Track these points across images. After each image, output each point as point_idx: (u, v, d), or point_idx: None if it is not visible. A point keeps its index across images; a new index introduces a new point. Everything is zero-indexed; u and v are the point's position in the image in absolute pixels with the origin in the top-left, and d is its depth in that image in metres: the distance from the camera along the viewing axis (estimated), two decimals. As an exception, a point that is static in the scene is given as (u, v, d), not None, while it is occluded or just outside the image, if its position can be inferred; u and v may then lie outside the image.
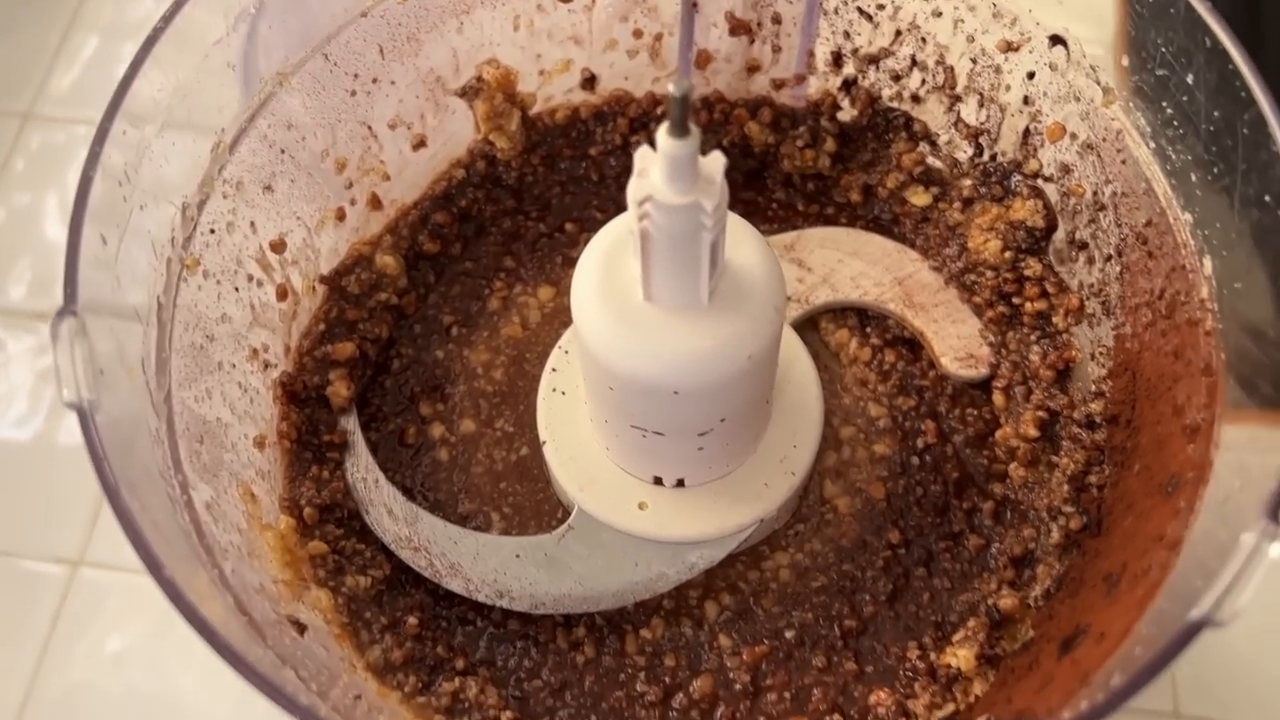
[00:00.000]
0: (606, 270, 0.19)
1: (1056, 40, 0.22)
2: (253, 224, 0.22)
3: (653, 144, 0.16)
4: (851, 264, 0.26)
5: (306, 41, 0.22)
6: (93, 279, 0.17)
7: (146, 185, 0.19)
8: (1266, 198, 0.18)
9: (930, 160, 0.26)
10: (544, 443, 0.23)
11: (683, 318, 0.19)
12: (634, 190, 0.17)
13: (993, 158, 0.24)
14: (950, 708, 0.21)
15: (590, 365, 0.20)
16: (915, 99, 0.25)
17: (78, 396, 0.16)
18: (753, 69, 0.26)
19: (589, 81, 0.25)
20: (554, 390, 0.24)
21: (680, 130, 0.16)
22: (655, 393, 0.19)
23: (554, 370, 0.24)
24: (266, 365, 0.23)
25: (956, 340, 0.25)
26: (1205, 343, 0.19)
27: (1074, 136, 0.22)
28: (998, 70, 0.23)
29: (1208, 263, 0.19)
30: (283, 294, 0.23)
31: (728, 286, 0.19)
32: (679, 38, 0.18)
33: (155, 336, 0.19)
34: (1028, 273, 0.24)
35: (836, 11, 0.24)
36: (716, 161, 0.17)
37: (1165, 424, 0.20)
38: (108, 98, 0.19)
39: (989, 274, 0.24)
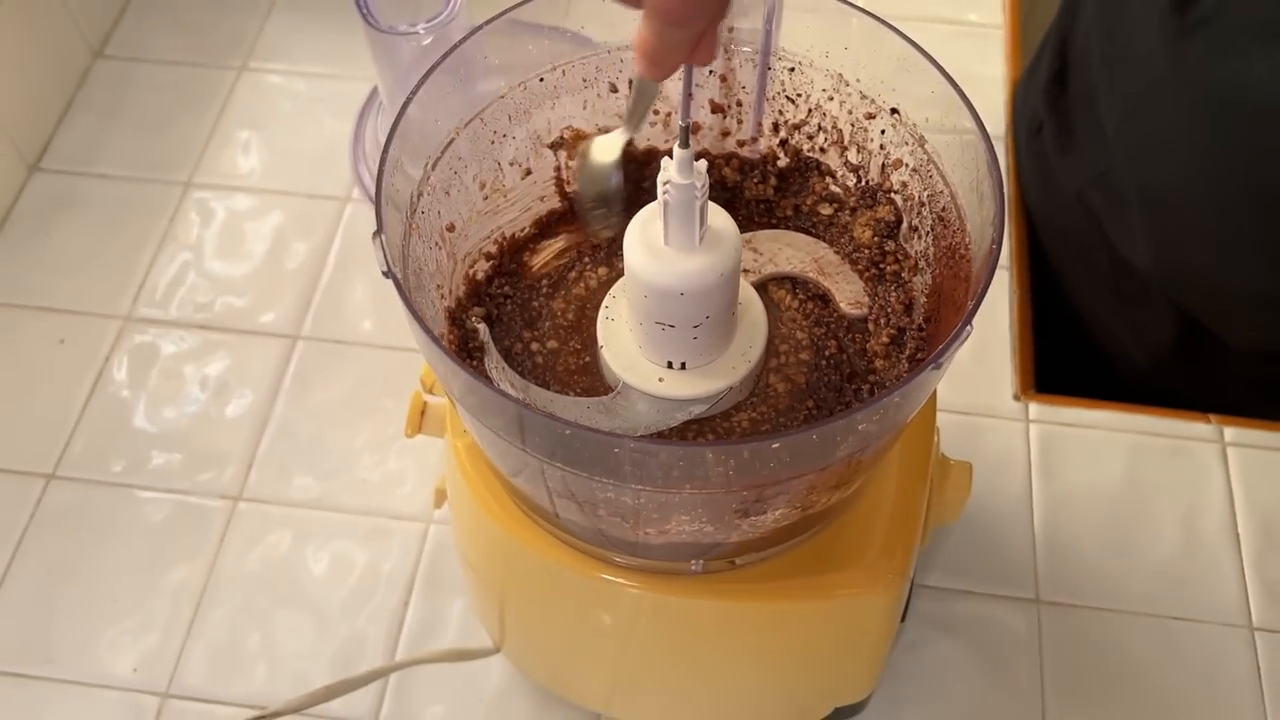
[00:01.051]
0: (644, 229, 0.35)
1: (894, 110, 0.39)
2: (439, 213, 0.38)
3: (671, 157, 0.33)
4: (786, 250, 0.42)
5: (473, 109, 0.39)
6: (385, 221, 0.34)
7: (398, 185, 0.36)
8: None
9: (832, 187, 0.42)
10: (601, 347, 0.39)
11: (685, 251, 0.35)
12: (661, 177, 0.33)
13: (866, 182, 0.41)
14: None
15: (634, 285, 0.36)
16: (821, 150, 0.42)
17: (389, 268, 0.32)
18: (725, 134, 0.43)
19: (629, 142, 0.42)
20: (608, 319, 0.40)
21: (684, 144, 0.32)
22: (669, 294, 0.35)
23: (606, 307, 0.40)
24: (443, 295, 0.39)
25: (849, 293, 0.41)
26: (965, 267, 0.35)
27: (907, 165, 0.39)
28: (865, 130, 0.40)
29: (969, 226, 0.36)
30: (450, 258, 0.40)
31: (709, 236, 0.35)
32: (680, 114, 0.34)
33: (404, 259, 0.35)
34: (887, 249, 0.40)
35: (774, 99, 0.41)
36: (702, 164, 0.33)
37: (951, 315, 0.36)
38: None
39: (866, 252, 0.41)
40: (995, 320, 0.63)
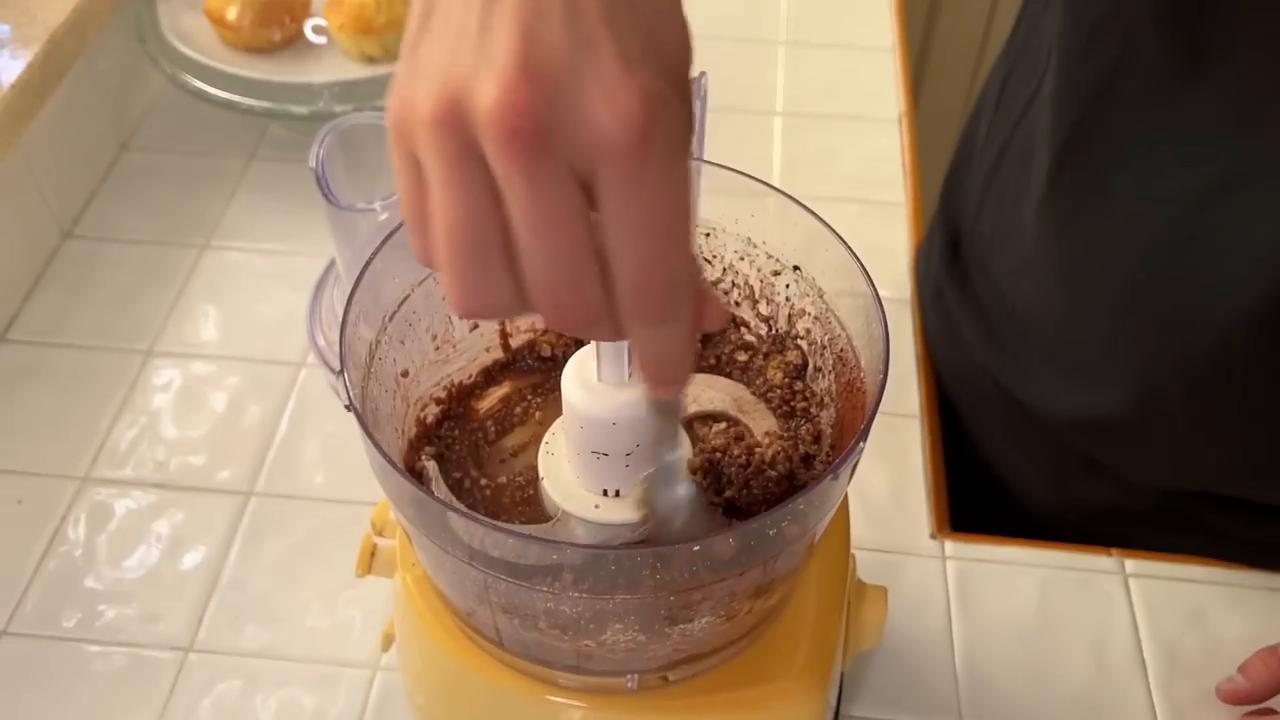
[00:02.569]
0: (579, 368, 0.40)
1: (796, 268, 0.44)
2: (394, 360, 0.43)
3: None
4: (709, 392, 0.47)
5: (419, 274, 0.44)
6: (347, 365, 0.38)
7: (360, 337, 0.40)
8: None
9: (746, 336, 0.47)
10: (542, 479, 0.43)
11: (616, 386, 0.39)
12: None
13: (775, 331, 0.46)
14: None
15: (571, 418, 0.40)
16: (736, 304, 0.47)
17: (351, 402, 0.36)
18: (652, 292, 0.48)
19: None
20: (548, 453, 0.43)
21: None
22: (603, 425, 0.39)
23: (546, 443, 0.44)
24: (398, 435, 0.43)
25: (763, 427, 0.46)
26: (861, 399, 0.40)
27: (810, 314, 0.44)
28: (772, 285, 0.45)
29: (864, 363, 0.41)
30: (404, 402, 0.44)
31: (635, 373, 0.40)
32: None
33: (363, 400, 0.39)
34: (796, 389, 0.45)
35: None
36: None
37: (850, 441, 0.41)
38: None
39: (778, 391, 0.46)
40: (910, 466, 0.67)
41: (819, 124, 0.89)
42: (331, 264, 0.72)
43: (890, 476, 0.67)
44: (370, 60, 0.77)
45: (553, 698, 0.41)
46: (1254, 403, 0.56)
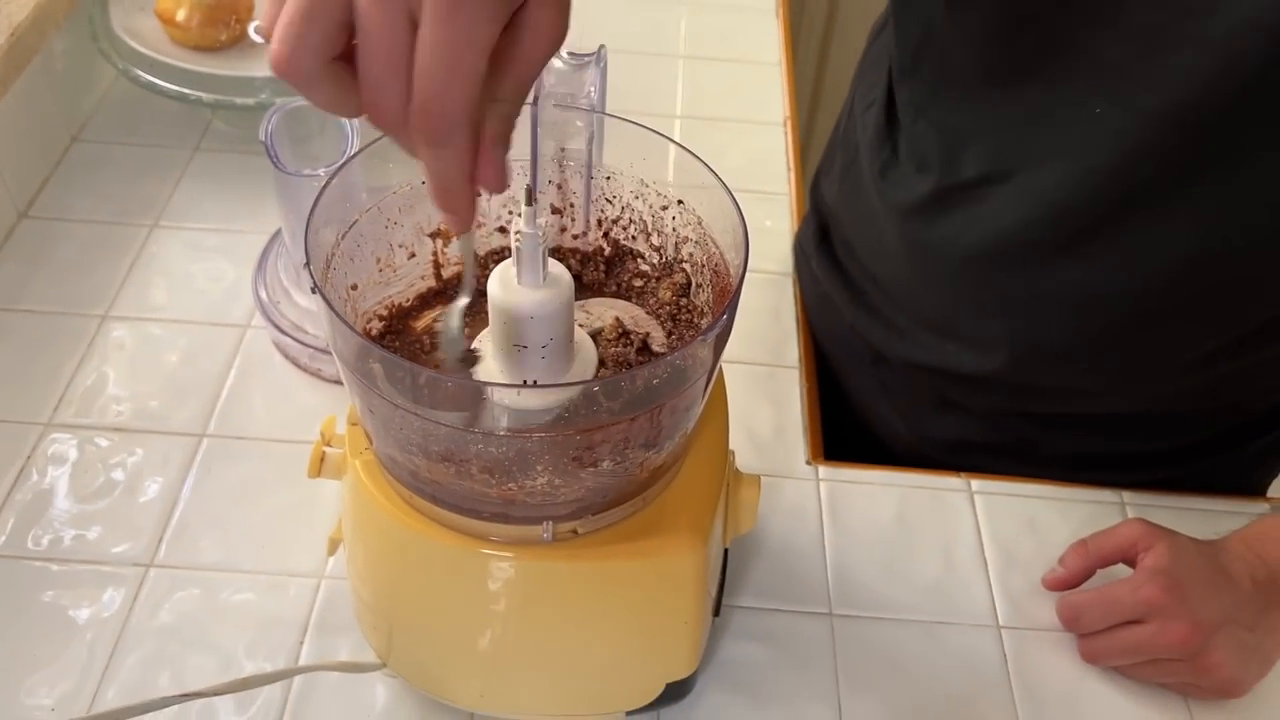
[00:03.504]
0: (502, 275, 0.48)
1: (680, 202, 0.54)
2: (345, 274, 0.51)
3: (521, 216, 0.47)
4: (610, 311, 0.57)
5: (374, 199, 0.52)
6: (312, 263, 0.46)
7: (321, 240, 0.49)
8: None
9: (641, 266, 0.57)
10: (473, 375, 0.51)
11: (533, 287, 0.48)
12: (512, 228, 0.47)
13: (664, 258, 0.56)
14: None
15: (495, 315, 0.48)
16: (632, 238, 0.57)
17: (315, 285, 0.44)
18: (564, 230, 0.58)
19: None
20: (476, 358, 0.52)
21: (529, 202, 0.46)
22: (523, 319, 0.47)
23: (475, 349, 0.53)
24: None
25: (656, 338, 0.55)
26: (728, 294, 0.50)
27: (692, 240, 0.54)
28: (661, 218, 0.55)
29: (732, 269, 0.51)
30: (353, 312, 0.52)
31: (549, 278, 0.48)
32: (530, 179, 0.48)
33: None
34: (682, 304, 0.55)
35: (596, 200, 0.57)
36: (543, 218, 0.47)
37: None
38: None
39: (667, 308, 0.55)
40: (790, 408, 0.78)
41: (713, 126, 1.00)
42: (275, 235, 0.80)
43: (773, 416, 0.77)
44: (309, 59, 0.86)
45: (483, 550, 0.50)
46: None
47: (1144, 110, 0.55)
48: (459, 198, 0.37)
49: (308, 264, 0.45)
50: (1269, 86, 0.51)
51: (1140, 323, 0.64)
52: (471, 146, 0.36)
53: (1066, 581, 0.67)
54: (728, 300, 0.47)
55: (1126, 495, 0.74)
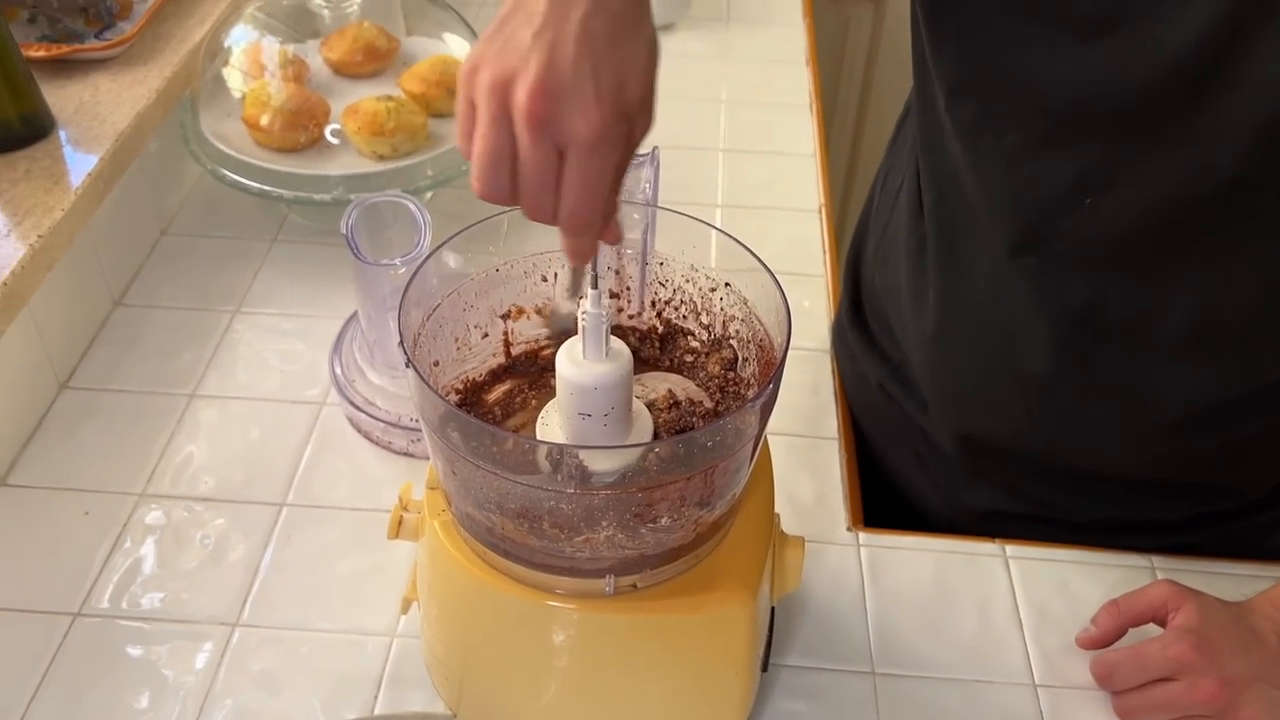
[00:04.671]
0: (569, 350, 0.54)
1: (727, 284, 0.60)
2: (429, 351, 0.57)
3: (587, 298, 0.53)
4: (664, 384, 0.62)
5: (447, 289, 0.58)
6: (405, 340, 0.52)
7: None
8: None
9: (692, 343, 0.63)
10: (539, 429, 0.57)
11: (596, 361, 0.53)
12: (580, 309, 0.52)
13: (713, 335, 0.61)
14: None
15: (562, 387, 0.53)
16: (683, 317, 0.62)
17: (409, 360, 0.50)
18: (621, 310, 0.64)
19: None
20: (543, 424, 0.57)
21: (594, 285, 0.52)
22: (587, 389, 0.53)
23: (542, 418, 0.58)
24: (429, 408, 0.57)
25: (706, 406, 0.60)
26: (773, 366, 0.55)
27: (739, 319, 0.60)
28: (709, 299, 0.61)
29: (775, 342, 0.56)
30: (435, 385, 0.58)
31: (611, 353, 0.54)
32: (593, 270, 0.54)
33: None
34: (729, 377, 0.60)
35: (651, 285, 0.62)
36: (605, 299, 0.53)
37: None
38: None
39: (715, 380, 0.61)
40: (830, 477, 0.82)
41: (753, 213, 1.06)
42: (350, 318, 0.87)
43: (814, 485, 0.81)
44: (380, 157, 0.94)
45: (550, 602, 0.54)
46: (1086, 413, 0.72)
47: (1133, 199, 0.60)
48: (589, 257, 0.50)
49: (401, 342, 0.51)
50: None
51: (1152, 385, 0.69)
52: (600, 230, 0.48)
53: (1099, 640, 0.70)
54: (772, 372, 0.52)
55: (1156, 560, 0.77)
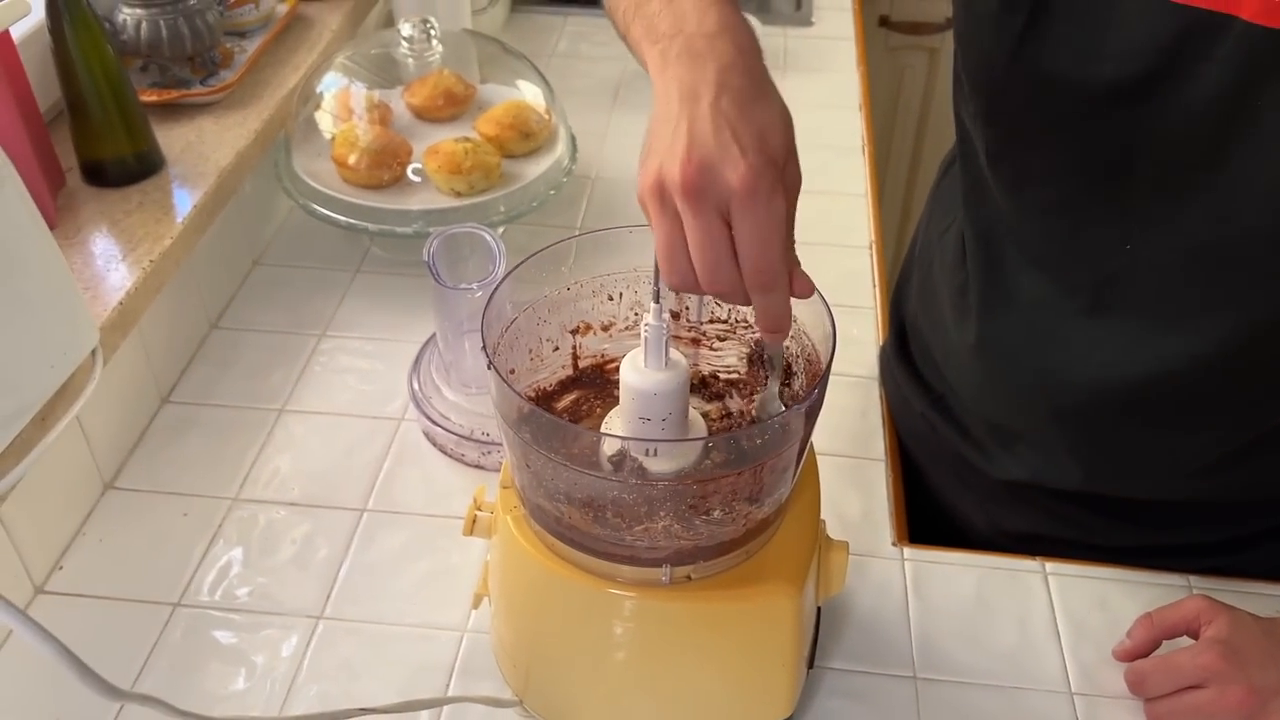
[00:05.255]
0: (632, 360, 0.59)
1: (777, 305, 0.65)
2: (506, 360, 0.63)
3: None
4: (716, 402, 0.67)
5: (522, 306, 0.64)
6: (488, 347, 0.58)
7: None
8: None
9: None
10: (602, 447, 0.62)
11: (657, 370, 0.58)
12: (642, 322, 0.58)
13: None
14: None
15: (625, 393, 0.59)
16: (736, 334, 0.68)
17: (490, 362, 0.56)
18: (677, 318, 0.69)
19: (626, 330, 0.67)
20: (607, 428, 0.63)
21: (656, 300, 0.57)
22: (648, 395, 0.58)
23: (606, 424, 0.63)
24: (504, 412, 0.63)
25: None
26: (818, 377, 0.60)
27: (790, 336, 0.65)
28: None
29: (821, 356, 0.61)
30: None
31: (670, 363, 0.59)
32: (654, 285, 0.59)
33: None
34: (783, 391, 0.65)
35: (706, 304, 0.68)
36: (666, 314, 0.58)
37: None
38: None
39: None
40: (877, 496, 0.86)
41: (806, 249, 1.10)
42: (428, 341, 0.93)
43: (861, 503, 0.86)
44: (457, 194, 1.01)
45: (612, 590, 0.59)
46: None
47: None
48: (786, 321, 0.52)
49: (484, 346, 0.57)
50: None
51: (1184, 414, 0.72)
52: (789, 284, 0.51)
53: (1133, 652, 0.73)
54: (818, 380, 0.57)
55: (1193, 579, 0.80)
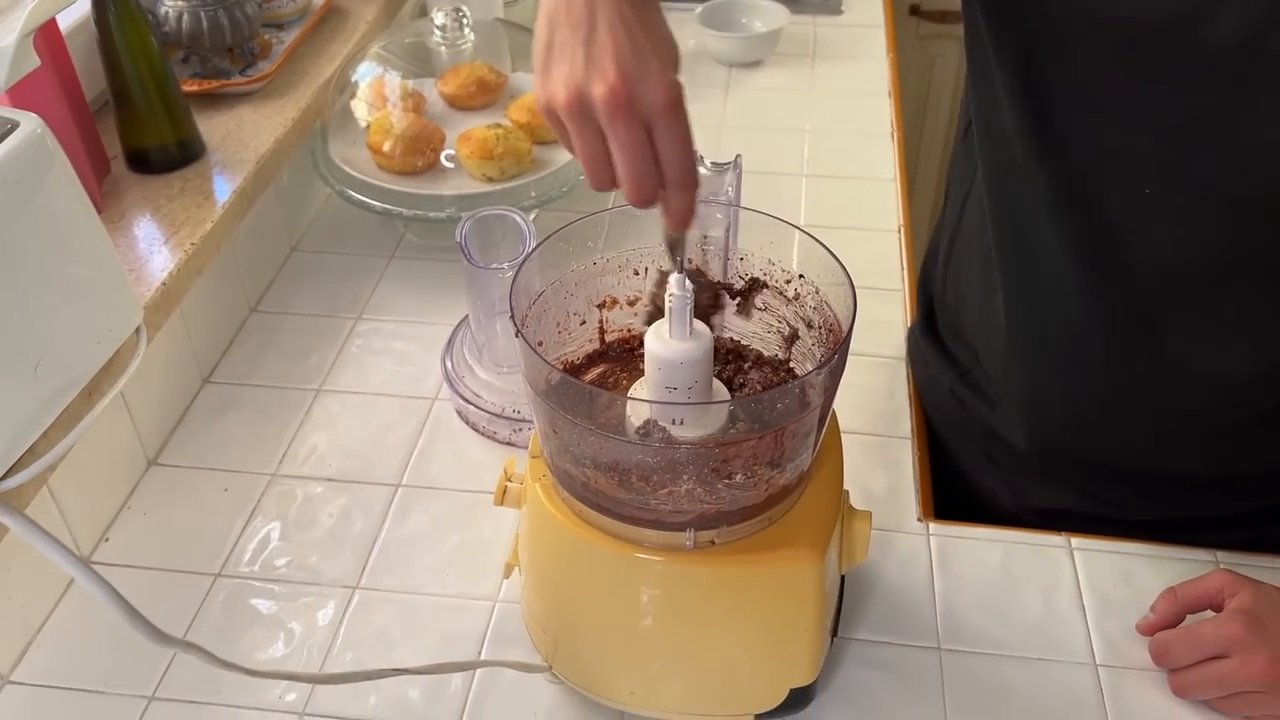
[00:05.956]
0: (657, 331, 0.61)
1: (801, 276, 0.66)
2: (534, 332, 0.65)
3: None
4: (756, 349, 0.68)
5: (551, 279, 0.66)
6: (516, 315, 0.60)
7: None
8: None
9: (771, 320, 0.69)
10: (629, 416, 0.63)
11: (681, 340, 0.60)
12: (666, 291, 0.59)
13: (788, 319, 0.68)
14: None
15: (650, 363, 0.60)
16: (764, 305, 0.69)
17: (519, 330, 0.57)
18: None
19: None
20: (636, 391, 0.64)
21: (680, 270, 0.59)
22: (673, 364, 0.59)
23: (631, 394, 0.65)
24: (533, 382, 0.64)
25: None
26: (839, 343, 0.61)
27: (811, 306, 0.66)
28: (784, 290, 0.67)
29: (842, 322, 0.62)
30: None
31: (694, 333, 0.61)
32: (680, 258, 0.61)
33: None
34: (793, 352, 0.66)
35: (729, 277, 0.69)
36: (688, 284, 0.60)
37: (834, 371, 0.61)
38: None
39: (785, 365, 0.67)
40: (904, 473, 0.87)
41: (835, 233, 1.11)
42: (461, 322, 0.95)
43: (888, 479, 0.86)
44: (489, 179, 1.02)
45: (639, 554, 0.61)
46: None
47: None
48: (691, 219, 0.56)
49: (512, 315, 0.59)
50: None
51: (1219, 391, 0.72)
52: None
53: (1157, 626, 0.73)
54: (838, 345, 0.58)
55: (1220, 554, 0.80)
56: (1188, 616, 0.73)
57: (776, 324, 0.68)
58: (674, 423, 0.61)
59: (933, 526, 0.82)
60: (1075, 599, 0.77)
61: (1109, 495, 0.83)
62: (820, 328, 0.65)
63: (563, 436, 0.59)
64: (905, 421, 0.92)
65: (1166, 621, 0.73)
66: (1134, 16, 0.60)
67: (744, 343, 0.69)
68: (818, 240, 0.63)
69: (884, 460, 0.88)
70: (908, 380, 0.95)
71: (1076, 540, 0.81)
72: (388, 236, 1.11)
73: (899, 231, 1.12)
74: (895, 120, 1.29)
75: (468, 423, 0.90)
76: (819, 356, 0.65)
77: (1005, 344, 0.82)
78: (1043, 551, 0.81)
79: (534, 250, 0.64)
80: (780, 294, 0.67)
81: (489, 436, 0.89)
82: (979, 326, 0.85)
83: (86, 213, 0.70)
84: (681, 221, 0.55)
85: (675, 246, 0.58)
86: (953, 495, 0.90)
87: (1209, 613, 0.72)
